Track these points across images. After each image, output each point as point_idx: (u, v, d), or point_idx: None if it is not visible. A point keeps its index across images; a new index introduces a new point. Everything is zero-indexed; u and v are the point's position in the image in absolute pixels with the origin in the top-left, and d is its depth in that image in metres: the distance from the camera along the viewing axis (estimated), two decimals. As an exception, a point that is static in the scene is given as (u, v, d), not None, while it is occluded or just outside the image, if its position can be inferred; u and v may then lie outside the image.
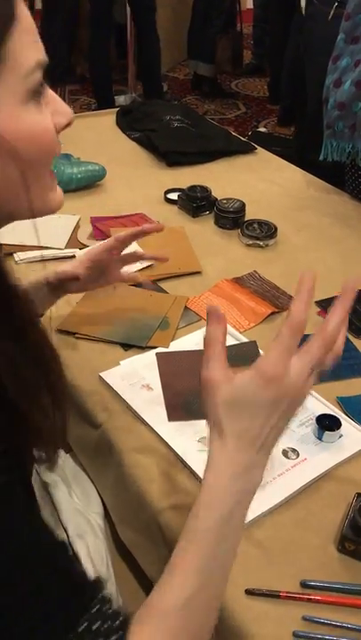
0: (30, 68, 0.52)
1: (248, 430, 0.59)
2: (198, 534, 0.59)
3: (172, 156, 1.82)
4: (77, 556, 0.86)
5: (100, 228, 1.46)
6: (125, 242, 1.05)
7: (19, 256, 1.35)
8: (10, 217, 0.60)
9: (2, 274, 0.54)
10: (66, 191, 0.71)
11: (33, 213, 0.60)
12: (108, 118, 2.15)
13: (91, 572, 0.79)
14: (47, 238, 1.41)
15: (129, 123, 2.07)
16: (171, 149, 1.83)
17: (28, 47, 0.52)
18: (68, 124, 0.60)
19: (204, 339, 0.63)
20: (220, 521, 0.58)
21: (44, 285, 1.04)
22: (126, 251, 1.09)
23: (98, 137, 1.99)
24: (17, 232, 1.36)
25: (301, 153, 2.50)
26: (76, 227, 1.48)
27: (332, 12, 1.93)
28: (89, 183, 1.65)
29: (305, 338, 0.59)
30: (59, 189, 0.63)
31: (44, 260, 1.34)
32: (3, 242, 1.37)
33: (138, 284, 1.23)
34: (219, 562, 0.59)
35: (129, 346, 1.11)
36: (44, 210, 0.61)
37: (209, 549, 0.58)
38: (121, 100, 4.51)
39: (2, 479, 0.53)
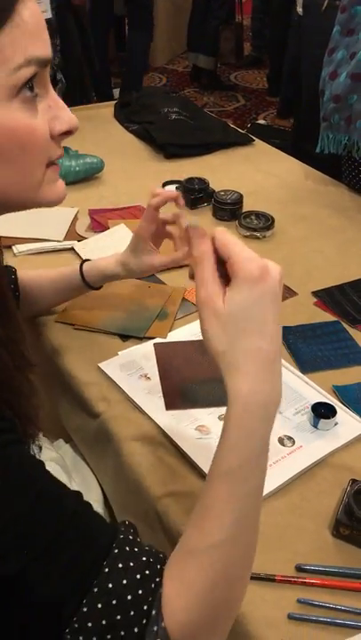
0: (18, 63, 0.52)
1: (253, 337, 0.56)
2: (229, 474, 0.56)
3: (170, 148, 1.82)
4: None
5: (98, 220, 1.47)
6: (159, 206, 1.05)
7: (17, 248, 1.36)
8: (4, 207, 0.61)
9: None
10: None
11: (25, 205, 0.61)
12: (106, 111, 2.15)
13: None
14: (46, 230, 1.41)
15: (127, 115, 2.07)
16: (169, 141, 1.83)
17: (20, 42, 0.52)
18: (69, 132, 0.61)
19: (195, 259, 0.61)
20: (250, 456, 0.56)
21: (77, 274, 1.05)
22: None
23: (96, 129, 1.99)
24: (16, 224, 1.39)
25: (298, 144, 2.50)
26: (75, 219, 1.48)
27: (325, 4, 1.93)
28: (87, 175, 1.66)
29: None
30: (59, 183, 0.64)
31: (42, 253, 1.35)
32: (1, 234, 1.39)
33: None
34: (251, 500, 0.57)
35: (127, 336, 1.12)
36: (36, 202, 0.62)
37: (242, 488, 0.56)
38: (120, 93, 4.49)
39: (13, 436, 0.56)
